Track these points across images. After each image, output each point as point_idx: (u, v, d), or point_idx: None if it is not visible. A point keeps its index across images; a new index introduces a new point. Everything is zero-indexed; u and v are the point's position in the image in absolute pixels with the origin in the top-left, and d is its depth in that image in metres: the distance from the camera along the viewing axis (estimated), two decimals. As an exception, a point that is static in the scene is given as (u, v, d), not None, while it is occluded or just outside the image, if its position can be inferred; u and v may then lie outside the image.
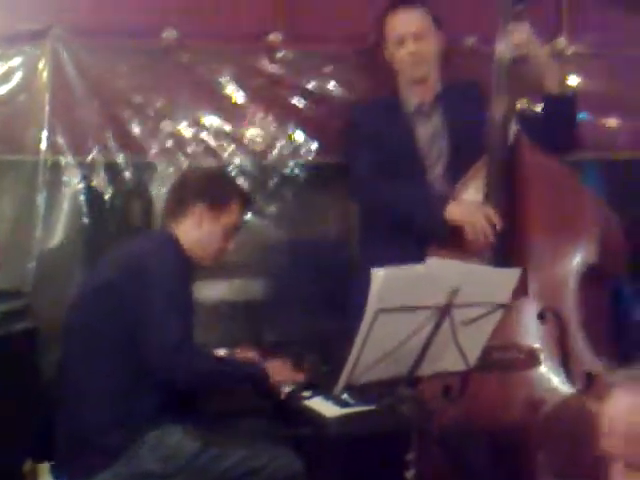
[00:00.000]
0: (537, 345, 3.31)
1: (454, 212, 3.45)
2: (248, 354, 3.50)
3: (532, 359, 3.29)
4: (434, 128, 3.71)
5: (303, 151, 3.87)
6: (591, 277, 3.35)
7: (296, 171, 3.89)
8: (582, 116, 3.97)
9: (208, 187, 3.34)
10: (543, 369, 3.29)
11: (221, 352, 3.52)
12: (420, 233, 3.49)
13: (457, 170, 3.58)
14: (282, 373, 3.28)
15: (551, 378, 3.26)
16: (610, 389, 1.90)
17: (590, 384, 3.16)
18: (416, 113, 3.72)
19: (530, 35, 3.40)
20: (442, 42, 3.72)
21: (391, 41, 3.68)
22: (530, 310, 3.33)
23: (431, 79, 3.72)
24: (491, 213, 3.39)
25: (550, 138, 3.52)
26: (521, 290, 3.20)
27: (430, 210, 3.49)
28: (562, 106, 3.55)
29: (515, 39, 3.38)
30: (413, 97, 3.72)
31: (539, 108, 3.69)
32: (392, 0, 3.69)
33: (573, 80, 4.01)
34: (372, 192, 3.65)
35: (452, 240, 3.42)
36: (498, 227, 3.37)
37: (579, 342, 3.27)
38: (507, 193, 3.43)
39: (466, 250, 3.39)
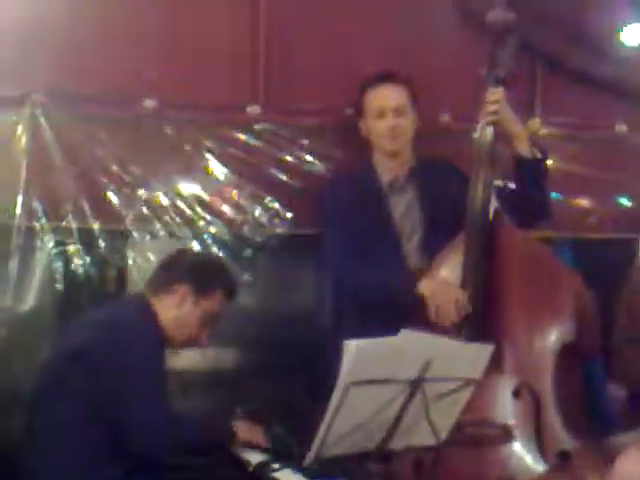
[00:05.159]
0: (511, 422, 3.30)
1: (424, 288, 3.47)
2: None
3: (505, 435, 3.28)
4: (408, 202, 3.75)
5: (278, 222, 3.88)
6: (567, 355, 3.35)
7: (271, 241, 3.90)
8: (554, 195, 4.02)
9: (197, 269, 3.37)
10: (516, 446, 3.27)
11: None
12: (392, 308, 3.49)
13: (433, 244, 3.62)
14: (249, 434, 3.26)
15: (524, 455, 3.24)
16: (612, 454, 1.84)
17: (564, 463, 3.14)
18: (390, 187, 3.76)
19: (503, 98, 3.52)
20: (417, 119, 3.77)
21: (371, 114, 3.73)
22: (505, 386, 3.33)
23: (406, 154, 3.77)
24: (461, 297, 3.40)
25: (524, 205, 3.59)
26: (495, 366, 3.20)
27: (401, 287, 3.51)
28: (534, 168, 3.62)
29: (491, 99, 3.50)
30: (387, 171, 3.76)
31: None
32: (375, 74, 3.75)
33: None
34: (343, 272, 3.66)
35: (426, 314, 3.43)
36: (465, 312, 3.39)
37: (554, 420, 3.26)
38: (485, 272, 3.45)
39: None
